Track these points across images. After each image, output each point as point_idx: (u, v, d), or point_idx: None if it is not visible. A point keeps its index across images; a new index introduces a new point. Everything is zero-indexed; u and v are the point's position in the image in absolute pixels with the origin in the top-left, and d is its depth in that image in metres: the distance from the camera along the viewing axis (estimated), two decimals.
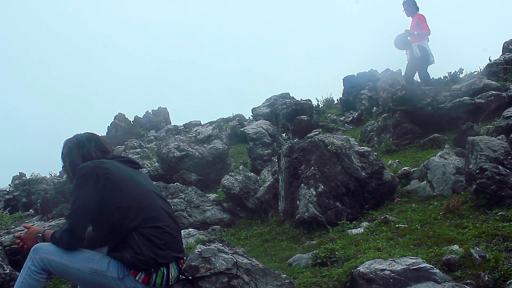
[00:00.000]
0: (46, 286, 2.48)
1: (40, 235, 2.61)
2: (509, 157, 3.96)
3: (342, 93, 13.02)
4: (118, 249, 2.44)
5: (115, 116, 17.96)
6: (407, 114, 7.50)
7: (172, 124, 18.37)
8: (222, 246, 2.82)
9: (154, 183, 3.77)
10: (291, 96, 13.57)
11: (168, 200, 3.82)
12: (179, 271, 2.57)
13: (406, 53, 8.66)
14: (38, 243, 2.54)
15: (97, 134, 2.90)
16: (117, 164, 2.60)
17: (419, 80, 9.09)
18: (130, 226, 2.40)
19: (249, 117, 14.25)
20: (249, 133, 8.65)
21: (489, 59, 10.17)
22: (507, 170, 3.84)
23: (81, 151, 2.67)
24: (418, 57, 8.32)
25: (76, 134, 2.84)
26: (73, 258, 2.43)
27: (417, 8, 8.51)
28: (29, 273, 2.41)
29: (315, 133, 9.06)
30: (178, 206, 5.54)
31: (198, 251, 2.64)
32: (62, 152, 2.77)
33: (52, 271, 2.43)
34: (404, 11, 8.54)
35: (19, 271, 2.52)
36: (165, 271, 2.47)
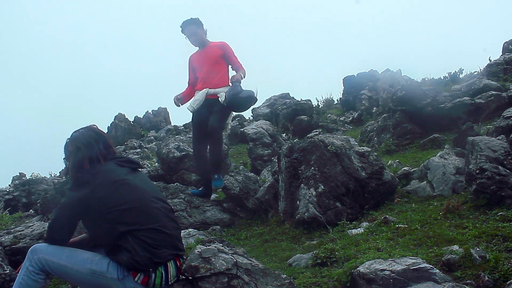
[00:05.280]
0: (45, 287, 2.47)
1: None
2: (509, 157, 3.96)
3: (342, 93, 13.06)
4: (115, 251, 2.44)
5: (115, 116, 18.00)
6: (407, 114, 7.51)
7: (172, 124, 18.40)
8: (222, 246, 2.82)
9: (154, 183, 3.77)
10: (291, 96, 13.56)
11: (167, 200, 3.82)
12: (177, 269, 2.57)
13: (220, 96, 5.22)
14: None
15: (101, 130, 2.80)
16: (113, 167, 2.58)
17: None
18: (123, 230, 2.41)
19: (249, 117, 14.26)
20: (249, 133, 8.65)
21: (489, 59, 10.20)
22: (507, 170, 3.83)
23: (89, 153, 2.59)
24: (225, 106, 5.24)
25: (82, 129, 2.73)
26: (72, 259, 2.42)
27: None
28: (27, 273, 2.39)
29: (315, 133, 9.06)
30: (178, 206, 5.53)
31: (198, 251, 2.64)
32: (67, 149, 2.68)
33: (51, 271, 2.41)
34: (189, 38, 5.37)
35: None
36: (163, 272, 2.47)
